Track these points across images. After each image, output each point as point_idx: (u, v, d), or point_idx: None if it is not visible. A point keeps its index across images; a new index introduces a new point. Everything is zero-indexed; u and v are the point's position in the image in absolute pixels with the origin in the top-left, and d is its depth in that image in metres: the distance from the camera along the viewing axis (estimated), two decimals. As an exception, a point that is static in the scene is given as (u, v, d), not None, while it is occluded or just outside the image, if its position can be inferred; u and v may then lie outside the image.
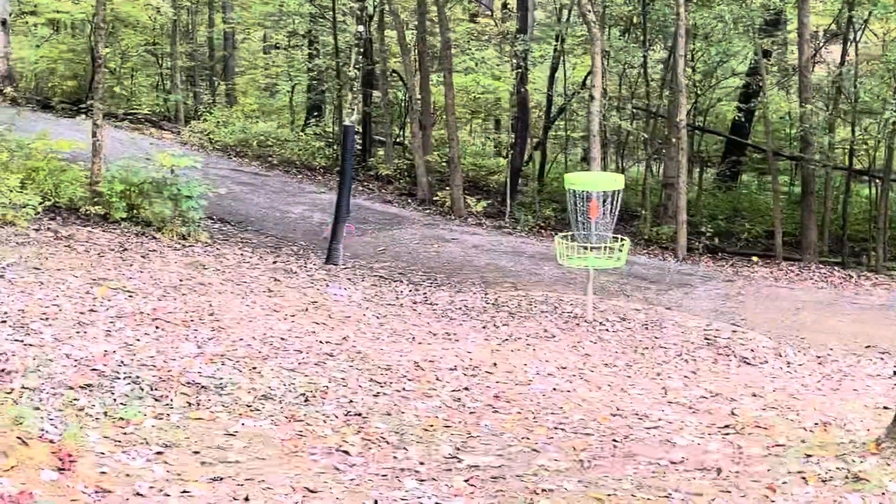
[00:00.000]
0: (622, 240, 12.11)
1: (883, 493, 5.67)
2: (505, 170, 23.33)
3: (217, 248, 14.62)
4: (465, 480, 5.60)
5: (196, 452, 5.61)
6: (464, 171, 24.00)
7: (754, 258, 19.64)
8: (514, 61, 21.84)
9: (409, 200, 21.34)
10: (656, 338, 11.53)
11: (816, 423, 7.35)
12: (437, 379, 8.11)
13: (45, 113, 27.72)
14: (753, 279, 16.72)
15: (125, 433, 5.72)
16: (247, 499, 5.03)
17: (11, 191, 13.54)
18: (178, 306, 9.86)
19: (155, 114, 27.61)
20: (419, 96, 22.68)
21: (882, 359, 11.57)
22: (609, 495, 5.51)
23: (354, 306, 11.55)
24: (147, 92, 28.99)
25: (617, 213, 12.14)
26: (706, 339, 11.61)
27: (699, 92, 24.72)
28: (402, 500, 5.25)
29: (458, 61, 25.32)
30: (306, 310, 10.83)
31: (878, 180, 21.85)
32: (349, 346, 8.98)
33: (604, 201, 11.93)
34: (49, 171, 15.07)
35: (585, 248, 12.01)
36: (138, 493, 4.94)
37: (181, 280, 11.43)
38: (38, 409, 5.82)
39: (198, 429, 6.00)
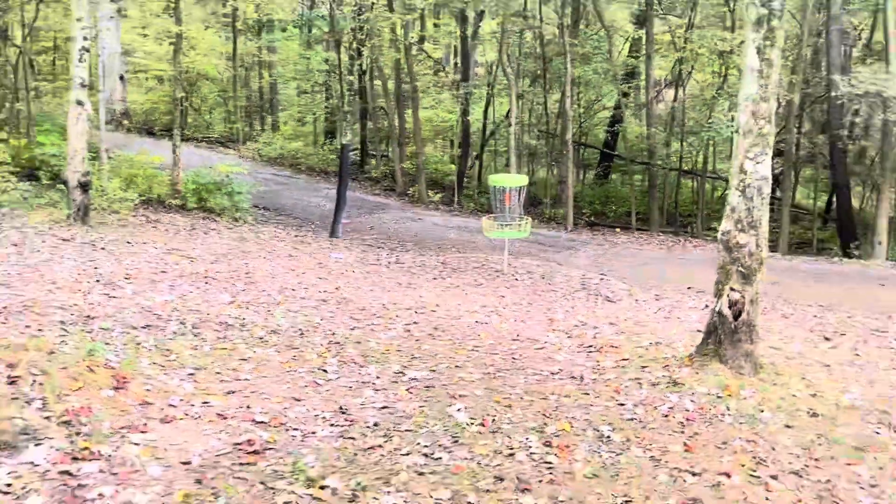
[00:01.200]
0: (526, 219, 11.79)
1: (693, 393, 5.38)
2: (454, 172, 22.93)
3: (258, 227, 14.17)
4: (407, 389, 5.27)
5: (218, 373, 5.25)
6: (427, 174, 23.62)
7: (617, 230, 19.39)
8: (460, 101, 21.40)
9: (391, 194, 20.95)
10: (549, 284, 11.20)
11: (651, 343, 7.06)
12: (397, 316, 7.75)
13: (149, 138, 27.06)
14: (616, 244, 16.45)
15: (168, 360, 5.35)
16: (249, 406, 4.69)
17: (117, 190, 13.09)
18: (223, 268, 9.45)
19: (223, 137, 27.03)
20: (397, 125, 22.23)
21: (698, 296, 11.31)
22: (506, 397, 5.20)
23: (347, 266, 11.16)
24: (219, 122, 28.38)
25: (524, 200, 11.83)
26: (582, 284, 11.29)
27: (581, 120, 24.58)
28: (361, 404, 4.93)
29: (424, 101, 24.99)
30: (313, 269, 10.44)
31: (698, 177, 21.81)
32: (338, 294, 8.59)
33: (515, 193, 11.62)
34: (144, 176, 14.59)
35: (503, 225, 11.69)
36: (171, 405, 4.59)
37: (229, 249, 11.01)
38: (108, 343, 5.44)
39: (221, 356, 5.64)
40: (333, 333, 6.62)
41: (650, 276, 12.95)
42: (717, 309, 5.84)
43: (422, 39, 27.62)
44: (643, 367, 5.95)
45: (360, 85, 24.08)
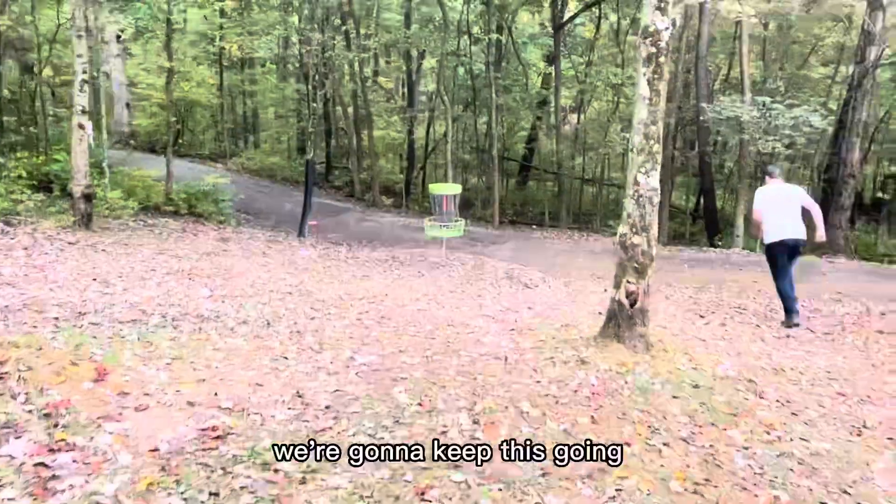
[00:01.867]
0: (461, 220, 11.42)
1: (597, 370, 5.08)
2: (403, 181, 22.49)
3: (239, 229, 13.53)
4: (356, 373, 4.87)
5: (192, 362, 4.76)
6: (381, 182, 23.13)
7: (534, 227, 19.18)
8: (406, 123, 20.93)
9: (351, 199, 20.38)
10: (479, 273, 10.85)
11: (563, 325, 6.76)
12: (351, 306, 7.30)
13: (152, 155, 25.94)
14: (533, 238, 16.20)
15: (148, 352, 4.84)
16: (216, 393, 4.24)
17: (118, 199, 12.34)
18: (206, 265, 8.87)
19: (213, 153, 26.06)
20: (355, 143, 21.65)
21: (598, 281, 11.09)
22: (441, 377, 4.84)
23: (312, 262, 10.65)
24: (210, 141, 27.38)
25: (457, 205, 11.44)
26: (506, 273, 10.96)
27: (505, 138, 24.36)
28: (316, 388, 4.51)
29: (379, 123, 24.47)
30: (283, 265, 9.91)
31: (596, 184, 21.73)
32: (302, 287, 8.09)
33: (451, 199, 11.24)
34: (142, 187, 13.82)
35: (441, 226, 11.30)
36: (146, 393, 4.11)
37: (212, 249, 10.40)
38: (95, 338, 4.91)
39: (196, 346, 5.12)
40: (295, 323, 6.15)
41: (561, 265, 12.71)
42: (616, 298, 5.55)
43: (376, 73, 27.06)
44: (556, 347, 5.64)
45: (324, 110, 23.46)
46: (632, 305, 5.43)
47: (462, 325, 6.62)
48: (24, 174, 13.00)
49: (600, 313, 7.53)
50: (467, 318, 7.05)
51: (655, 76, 5.21)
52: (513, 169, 28.22)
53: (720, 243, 16.75)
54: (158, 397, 4.06)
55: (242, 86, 27.46)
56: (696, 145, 19.28)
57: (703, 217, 19.75)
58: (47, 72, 18.36)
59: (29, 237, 9.14)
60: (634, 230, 5.38)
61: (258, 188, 20.37)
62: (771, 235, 7.54)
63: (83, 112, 9.28)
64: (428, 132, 23.54)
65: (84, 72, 9.19)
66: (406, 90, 22.15)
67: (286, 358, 5.09)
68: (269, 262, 9.92)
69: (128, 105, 27.93)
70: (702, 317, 8.13)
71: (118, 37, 26.36)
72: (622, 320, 5.48)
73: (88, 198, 9.66)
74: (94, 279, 7.10)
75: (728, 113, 14.98)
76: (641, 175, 5.31)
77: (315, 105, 13.96)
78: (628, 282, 5.44)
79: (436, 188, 11.01)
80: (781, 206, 7.43)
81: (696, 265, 13.13)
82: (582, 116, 22.38)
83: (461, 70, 21.39)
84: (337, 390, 4.46)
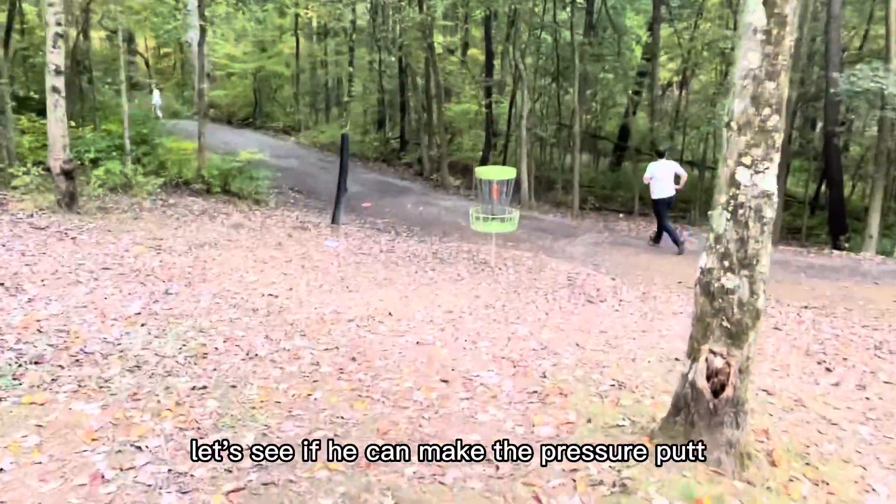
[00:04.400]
0: (514, 211, 9.14)
1: (646, 512, 2.79)
2: (478, 158, 20.36)
3: (272, 211, 11.84)
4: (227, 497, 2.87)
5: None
6: (459, 160, 21.12)
7: (621, 216, 16.57)
8: (483, 93, 18.74)
9: (418, 178, 18.38)
10: (534, 279, 8.63)
11: (612, 385, 4.50)
12: (327, 334, 5.30)
13: (227, 126, 25.03)
14: (615, 231, 13.65)
15: None
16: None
17: (138, 176, 10.91)
18: (184, 261, 7.12)
19: (286, 126, 24.78)
20: (425, 117, 19.60)
21: (686, 295, 8.64)
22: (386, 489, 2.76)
23: (331, 256, 8.74)
24: (285, 114, 26.08)
25: (511, 193, 9.18)
26: (568, 279, 8.69)
27: (598, 114, 21.76)
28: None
29: (464, 94, 22.46)
30: (290, 261, 8.04)
31: (697, 166, 18.80)
32: (283, 298, 6.18)
33: (503, 186, 9.00)
34: (173, 161, 12.38)
35: (489, 218, 9.10)
36: None
37: (216, 238, 8.68)
38: None
39: (17, 416, 3.31)
40: (214, 370, 4.22)
41: (642, 268, 10.25)
42: (689, 377, 3.26)
43: (461, 47, 24.84)
44: (587, 445, 3.42)
45: (400, 80, 21.55)
46: (716, 393, 3.13)
47: (463, 380, 4.48)
48: (38, 145, 11.83)
49: (677, 359, 5.23)
50: (477, 363, 4.89)
51: (779, -8, 2.84)
52: (607, 149, 25.47)
53: (847, 245, 13.64)
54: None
55: (323, 56, 25.96)
56: (821, 124, 16.05)
57: (828, 211, 16.48)
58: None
59: None
60: (728, 264, 3.07)
61: (322, 164, 18.74)
62: (657, 193, 10.88)
63: (57, 73, 7.68)
64: (511, 105, 21.21)
65: (58, 24, 7.57)
66: (484, 57, 19.78)
67: (140, 448, 3.15)
68: (275, 257, 8.08)
69: (208, 75, 27.07)
70: (829, 369, 5.59)
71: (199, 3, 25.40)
72: (698, 416, 3.19)
73: (69, 174, 8.12)
74: (1, 283, 5.44)
75: (867, 84, 11.85)
76: (744, 170, 2.98)
77: (351, 70, 11.97)
78: (712, 352, 3.14)
79: (484, 172, 8.79)
80: (663, 174, 10.70)
81: (817, 274, 10.32)
82: (684, 91, 19.39)
83: (547, 37, 18.83)
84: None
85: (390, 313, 6.13)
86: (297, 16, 22.68)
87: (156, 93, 22.49)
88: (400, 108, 21.71)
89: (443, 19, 22.37)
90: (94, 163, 10.97)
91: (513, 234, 11.20)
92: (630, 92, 18.89)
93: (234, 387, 3.96)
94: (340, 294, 6.75)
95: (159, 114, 21.64)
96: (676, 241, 11.06)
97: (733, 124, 3.00)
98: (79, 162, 11.17)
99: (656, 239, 11.75)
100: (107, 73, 29.15)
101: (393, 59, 21.53)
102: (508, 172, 8.83)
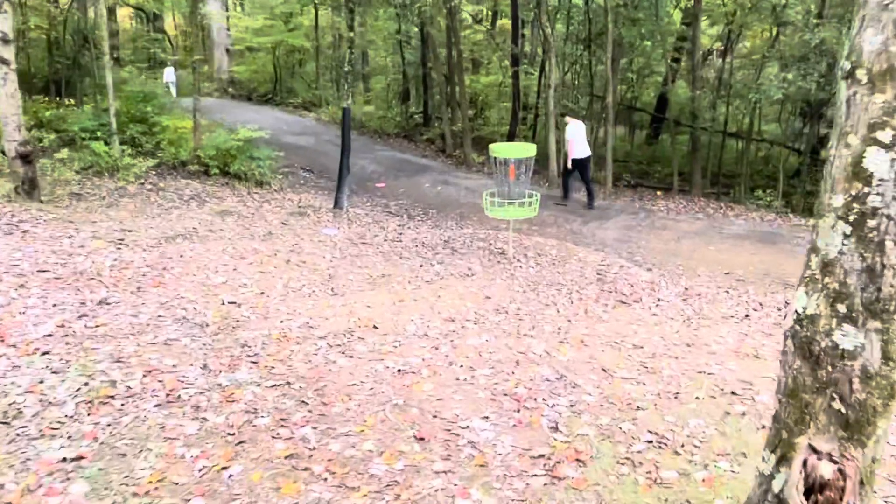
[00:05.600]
0: (535, 194, 7.85)
1: None
2: (505, 133, 18.99)
3: (273, 194, 10.74)
4: None
5: None
6: (485, 135, 19.77)
7: (658, 193, 15.10)
8: (509, 62, 17.33)
9: (439, 155, 17.08)
10: (558, 273, 7.39)
11: (649, 442, 3.29)
12: (288, 357, 4.17)
13: (246, 102, 24.01)
14: (653, 212, 12.24)
15: None
16: None
17: (125, 157, 9.91)
18: (149, 258, 6.05)
19: (306, 102, 23.63)
20: (447, 91, 18.24)
21: (735, 290, 7.33)
22: None
23: (326, 247, 7.60)
24: (305, 89, 24.87)
25: (530, 173, 7.88)
26: (598, 274, 7.43)
27: (634, 84, 20.12)
28: None
29: (492, 66, 21.02)
30: (275, 254, 6.92)
31: (742, 139, 17.17)
32: (244, 311, 5.06)
33: (522, 166, 7.73)
34: (169, 142, 11.35)
35: (505, 202, 7.85)
36: None
37: (194, 228, 7.61)
38: None
39: None
40: (109, 425, 3.10)
41: (684, 257, 8.93)
42: (775, 487, 2.03)
43: (490, 16, 23.33)
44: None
45: (422, 51, 20.22)
46: (822, 519, 1.91)
47: (445, 436, 3.29)
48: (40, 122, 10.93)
49: (733, 394, 3.99)
50: (473, 403, 3.70)
51: None
52: (643, 121, 23.81)
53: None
54: None
55: (341, 28, 24.69)
56: None
57: None
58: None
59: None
60: (845, 311, 1.83)
61: (337, 141, 17.57)
62: (579, 153, 11.54)
63: (4, 41, 6.61)
64: (541, 76, 19.74)
65: (2, -16, 6.50)
66: (511, 24, 18.31)
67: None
68: (258, 250, 6.98)
69: (227, 50, 26.03)
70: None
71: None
72: (790, 550, 1.97)
73: (26, 158, 7.09)
74: None
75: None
76: (880, 154, 1.72)
77: (351, 35, 10.74)
78: (815, 450, 1.91)
79: (500, 149, 7.51)
80: (582, 135, 11.58)
81: None
82: (728, 57, 17.68)
83: (578, 1, 17.28)
84: None
85: (375, 326, 4.98)
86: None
87: (168, 70, 21.51)
88: (422, 81, 20.40)
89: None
90: (72, 143, 10.01)
91: (537, 218, 9.96)
92: (669, 60, 17.26)
93: (123, 455, 2.86)
94: (322, 298, 5.62)
95: (173, 91, 20.66)
96: (566, 194, 12.10)
97: (861, 73, 1.74)
98: (60, 142, 10.23)
99: (590, 201, 11.99)
100: (134, 53, 28.35)
101: (415, 28, 20.18)
102: (527, 149, 7.55)
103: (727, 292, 7.22)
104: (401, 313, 5.40)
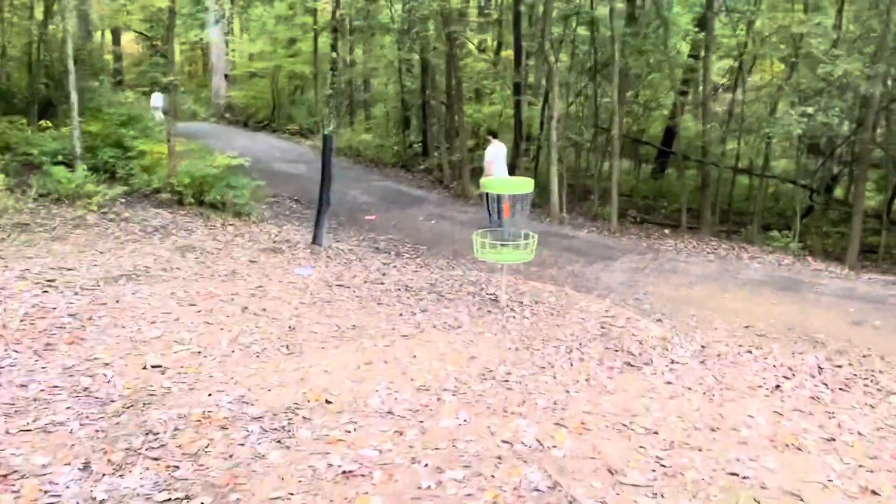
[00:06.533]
0: (530, 235, 6.90)
1: None
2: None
3: (250, 226, 9.85)
4: None
5: None
6: (480, 167, 18.92)
7: (666, 231, 14.18)
8: (511, 91, 16.58)
9: (436, 186, 16.19)
10: (557, 326, 6.42)
11: None
12: (203, 452, 3.21)
13: (242, 129, 23.31)
14: (661, 251, 11.27)
15: None
16: None
17: (88, 184, 9.04)
18: (66, 307, 5.12)
19: (303, 128, 22.90)
20: (447, 119, 17.45)
21: (759, 348, 6.37)
22: None
23: (296, 291, 6.65)
24: (304, 116, 24.16)
25: (527, 210, 6.96)
26: (601, 327, 6.46)
27: (640, 117, 19.29)
28: None
29: (494, 97, 20.29)
30: (232, 299, 5.97)
31: (753, 175, 16.30)
32: (166, 379, 4.09)
33: (518, 202, 6.81)
34: (144, 167, 10.50)
35: (498, 243, 6.91)
36: None
37: (146, 266, 6.67)
38: None
39: None
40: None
41: (694, 304, 7.96)
42: None
43: (495, 47, 22.67)
44: None
45: (422, 80, 19.48)
46: None
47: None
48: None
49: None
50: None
51: None
52: (649, 154, 22.98)
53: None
54: None
55: (346, 54, 24.02)
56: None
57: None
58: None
59: None
60: None
61: (334, 170, 16.65)
62: (496, 175, 10.33)
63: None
64: (544, 105, 18.97)
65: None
66: (513, 52, 17.55)
67: None
68: (214, 294, 6.03)
69: (226, 76, 25.41)
70: None
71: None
72: None
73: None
74: None
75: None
76: None
77: (336, 55, 9.93)
78: None
79: (493, 184, 6.59)
80: (502, 158, 11.07)
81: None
82: (738, 91, 16.86)
83: (582, 32, 16.52)
84: None
85: (328, 400, 4.01)
86: (314, 11, 20.83)
87: (155, 95, 20.69)
88: (421, 109, 19.63)
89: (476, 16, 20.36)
90: (40, 168, 9.17)
91: (536, 257, 9.03)
92: (676, 92, 16.45)
93: None
94: (272, 359, 4.66)
95: (158, 116, 19.84)
96: (489, 216, 10.92)
97: None
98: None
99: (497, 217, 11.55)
100: (139, 77, 27.73)
101: (416, 56, 19.47)
102: (524, 185, 6.64)
103: (749, 352, 6.25)
104: (364, 381, 4.44)
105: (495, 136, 11.59)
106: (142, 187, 10.11)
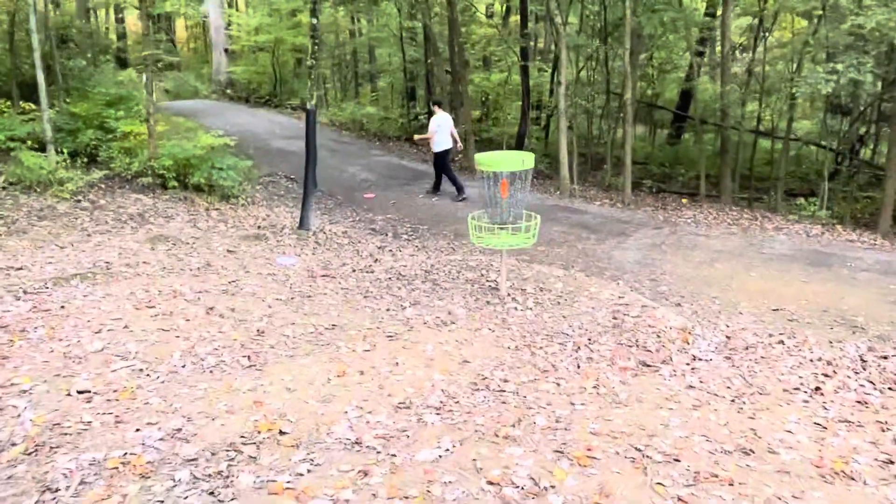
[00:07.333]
0: (534, 217, 6.14)
1: None
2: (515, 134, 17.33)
3: (238, 210, 9.16)
4: None
5: None
6: (491, 137, 18.12)
7: (684, 199, 13.32)
8: (518, 57, 15.65)
9: (442, 160, 15.35)
10: (563, 317, 5.70)
11: None
12: (106, 516, 2.58)
13: (243, 105, 22.52)
14: (679, 224, 10.44)
15: None
16: None
17: (60, 169, 8.38)
18: (4, 314, 4.49)
19: (305, 103, 22.06)
20: (450, 89, 16.54)
21: (792, 337, 5.61)
22: None
23: (276, 285, 5.95)
24: (306, 91, 23.30)
25: (528, 188, 6.16)
26: (613, 318, 5.72)
27: (655, 80, 18.26)
28: None
29: (501, 64, 19.38)
30: (198, 298, 5.32)
31: (776, 138, 15.31)
32: (91, 408, 3.41)
33: (517, 180, 6.03)
34: (125, 149, 9.84)
35: (495, 226, 6.16)
36: None
37: (108, 261, 6.02)
38: None
39: None
40: None
41: (717, 285, 7.20)
42: None
43: (503, 12, 21.59)
44: None
45: (425, 48, 18.55)
46: None
47: None
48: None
49: None
50: None
51: None
52: (665, 120, 21.95)
53: None
54: None
55: (349, 23, 23.10)
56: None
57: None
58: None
59: None
60: None
61: (334, 145, 16.01)
62: (440, 146, 11.20)
63: None
64: (553, 71, 18.05)
65: None
66: (519, 16, 16.56)
67: None
68: (180, 292, 5.36)
69: (226, 51, 24.56)
70: None
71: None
72: None
73: None
74: None
75: None
76: None
77: (314, 22, 9.12)
78: None
79: (487, 160, 5.84)
80: (446, 128, 11.16)
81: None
82: (759, 49, 15.76)
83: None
84: None
85: (282, 430, 3.33)
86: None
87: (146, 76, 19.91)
88: (425, 80, 18.74)
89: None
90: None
91: (544, 235, 8.28)
92: (692, 53, 15.40)
93: None
94: (227, 376, 3.99)
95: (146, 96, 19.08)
96: (459, 189, 11.23)
97: None
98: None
99: (435, 189, 11.70)
100: (139, 56, 26.99)
101: (419, 23, 18.53)
102: (523, 160, 5.86)
103: (781, 342, 5.48)
104: (332, 400, 3.76)
105: (439, 106, 11.52)
106: (122, 171, 9.45)
